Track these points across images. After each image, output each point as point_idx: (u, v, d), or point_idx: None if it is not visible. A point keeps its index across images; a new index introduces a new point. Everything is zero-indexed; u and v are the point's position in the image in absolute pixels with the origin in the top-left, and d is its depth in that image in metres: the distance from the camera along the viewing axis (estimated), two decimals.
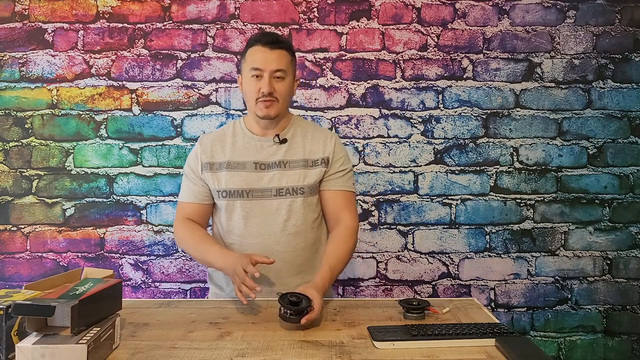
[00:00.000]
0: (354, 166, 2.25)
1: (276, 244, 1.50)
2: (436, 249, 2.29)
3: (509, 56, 2.28)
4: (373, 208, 2.28)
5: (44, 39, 2.23)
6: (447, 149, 2.28)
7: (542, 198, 2.30)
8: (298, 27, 2.25)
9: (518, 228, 2.29)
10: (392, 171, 2.28)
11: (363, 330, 1.22)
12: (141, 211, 2.26)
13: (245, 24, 2.25)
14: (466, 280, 2.30)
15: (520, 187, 2.29)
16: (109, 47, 2.24)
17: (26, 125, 2.24)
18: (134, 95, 2.25)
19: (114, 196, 2.25)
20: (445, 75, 2.27)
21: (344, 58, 2.26)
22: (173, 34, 2.24)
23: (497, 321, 1.28)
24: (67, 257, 2.25)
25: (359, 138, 2.27)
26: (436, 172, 2.28)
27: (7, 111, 2.24)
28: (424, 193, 2.28)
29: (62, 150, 2.25)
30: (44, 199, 2.25)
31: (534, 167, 2.29)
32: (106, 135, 2.25)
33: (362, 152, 2.27)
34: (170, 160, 2.25)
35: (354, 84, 2.26)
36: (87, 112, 2.25)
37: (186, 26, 2.24)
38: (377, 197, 2.28)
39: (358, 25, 2.26)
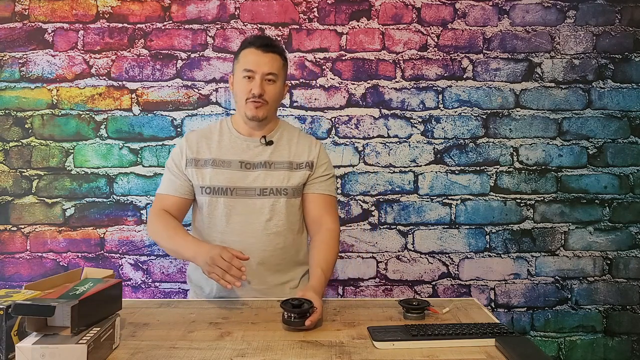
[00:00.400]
0: (354, 166, 2.26)
1: (257, 242, 1.52)
2: (436, 249, 2.29)
3: (509, 56, 2.28)
4: (373, 208, 2.28)
5: (44, 39, 2.23)
6: (447, 149, 2.28)
7: (542, 198, 2.30)
8: (298, 27, 2.25)
9: (518, 228, 2.29)
10: (392, 171, 2.28)
11: (363, 330, 1.22)
12: (141, 211, 2.26)
13: (245, 24, 2.25)
14: (466, 280, 2.30)
15: (520, 187, 2.29)
16: (109, 47, 2.24)
17: (26, 125, 2.24)
18: (134, 95, 2.25)
19: (114, 196, 2.25)
20: (445, 75, 2.27)
21: (344, 58, 2.26)
22: (173, 34, 2.24)
23: (497, 321, 1.28)
24: (67, 257, 2.25)
25: (359, 138, 2.27)
26: (436, 172, 2.28)
27: (7, 111, 2.24)
28: (424, 193, 2.28)
29: (62, 150, 2.25)
30: (44, 199, 2.25)
31: (534, 167, 2.29)
32: (106, 135, 2.25)
33: (362, 152, 2.27)
34: None
35: (354, 84, 2.26)
36: (87, 112, 2.25)
37: (186, 26, 2.24)
38: (377, 197, 2.28)
39: (358, 25, 2.26)
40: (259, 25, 2.25)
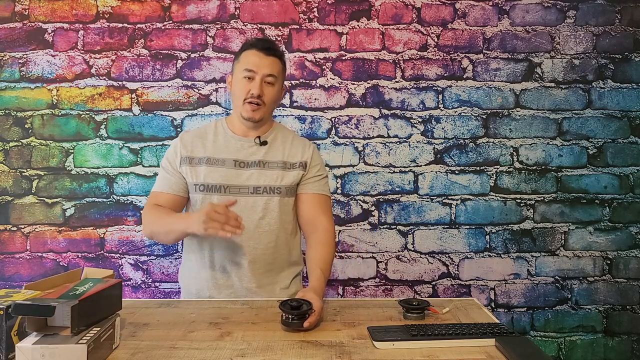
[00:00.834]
0: (354, 166, 2.26)
1: (249, 239, 1.52)
2: (436, 249, 2.29)
3: (509, 56, 2.28)
4: (373, 208, 2.28)
5: (44, 39, 2.23)
6: (447, 149, 2.28)
7: (542, 198, 2.30)
8: (298, 27, 2.25)
9: (518, 228, 2.29)
10: (392, 171, 2.28)
11: (363, 330, 1.22)
12: (141, 211, 2.25)
13: (245, 24, 2.25)
14: (466, 280, 2.30)
15: (520, 187, 2.29)
16: (109, 47, 2.24)
17: (26, 125, 2.24)
18: (134, 95, 2.25)
19: (114, 196, 2.25)
20: (445, 75, 2.27)
21: (344, 58, 2.26)
22: (173, 34, 2.24)
23: (497, 321, 1.27)
24: (67, 257, 2.25)
25: (359, 138, 2.27)
26: (436, 172, 2.28)
27: (7, 111, 2.24)
28: (424, 193, 2.28)
29: (62, 150, 2.25)
30: (44, 199, 2.25)
31: (534, 167, 2.29)
32: (106, 135, 2.25)
33: (362, 152, 2.27)
34: None
35: (354, 84, 2.26)
36: (87, 112, 2.25)
37: (186, 26, 2.24)
38: (377, 197, 2.28)
39: (358, 25, 2.26)
40: (259, 25, 2.25)
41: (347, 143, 2.26)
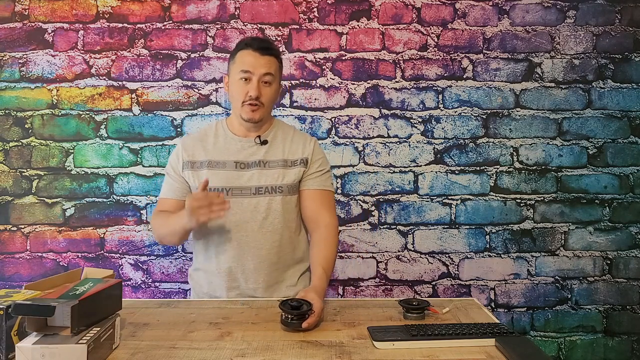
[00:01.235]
0: (354, 166, 2.26)
1: (253, 240, 1.53)
2: (436, 249, 2.29)
3: (509, 56, 2.28)
4: (373, 208, 2.28)
5: (44, 39, 2.23)
6: (447, 149, 2.28)
7: (542, 198, 2.30)
8: (298, 27, 2.25)
9: (518, 228, 2.29)
10: (392, 171, 2.28)
11: (363, 330, 1.22)
12: (141, 211, 2.26)
13: (245, 24, 2.25)
14: (466, 280, 2.30)
15: (520, 187, 2.29)
16: (109, 47, 2.24)
17: (26, 125, 2.24)
18: (134, 95, 2.25)
19: (114, 196, 2.25)
20: (445, 75, 2.27)
21: (344, 58, 2.26)
22: (173, 34, 2.24)
23: (497, 321, 1.27)
24: (67, 257, 2.25)
25: (359, 138, 2.27)
26: (436, 172, 2.28)
27: (7, 111, 2.24)
28: (424, 193, 2.28)
29: (62, 150, 2.25)
30: (44, 199, 2.25)
31: (534, 167, 2.29)
32: (106, 135, 2.25)
33: (362, 152, 2.27)
34: None
35: (354, 84, 2.26)
36: (87, 112, 2.25)
37: (186, 26, 2.24)
38: (377, 197, 2.28)
39: (358, 25, 2.26)
40: (259, 25, 2.25)
41: (347, 143, 2.26)
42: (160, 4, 2.24)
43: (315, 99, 2.26)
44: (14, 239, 2.25)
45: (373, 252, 2.29)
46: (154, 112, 2.25)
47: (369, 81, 2.26)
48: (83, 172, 2.25)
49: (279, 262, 1.56)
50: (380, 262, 2.29)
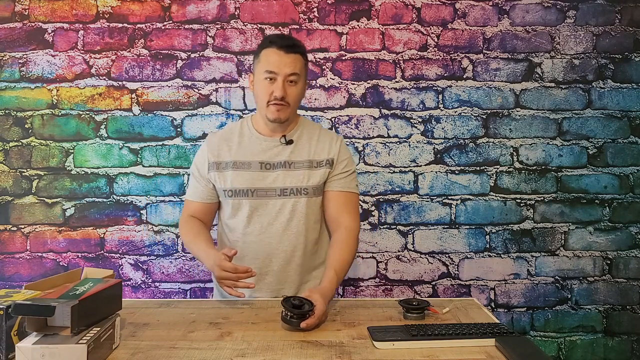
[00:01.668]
0: None
1: (278, 242, 1.52)
2: (436, 249, 2.29)
3: (509, 56, 2.28)
4: (373, 208, 2.28)
5: (44, 39, 2.23)
6: (447, 149, 2.28)
7: (542, 198, 2.30)
8: (298, 27, 2.25)
9: (518, 228, 2.29)
10: (392, 171, 2.28)
11: (363, 330, 1.22)
12: (141, 211, 2.26)
13: (245, 24, 2.25)
14: (466, 280, 2.30)
15: (520, 187, 2.29)
16: (109, 47, 2.24)
17: (26, 125, 2.24)
18: (134, 95, 2.25)
19: (114, 196, 2.25)
20: (445, 75, 2.27)
21: (344, 58, 2.26)
22: (173, 34, 2.24)
23: (497, 321, 1.28)
24: (67, 257, 2.25)
25: (359, 138, 2.27)
26: (436, 172, 2.28)
27: (7, 111, 2.24)
28: (424, 193, 2.28)
29: (62, 150, 2.25)
30: (44, 199, 2.25)
31: (534, 167, 2.29)
32: (106, 135, 2.25)
33: (362, 152, 2.27)
34: (170, 160, 2.25)
35: (354, 84, 2.26)
36: (87, 112, 2.25)
37: (186, 26, 2.24)
38: (377, 197, 2.28)
39: (358, 25, 2.26)
40: (259, 25, 2.25)
41: (347, 143, 2.26)
42: (160, 4, 2.24)
43: (315, 99, 2.26)
44: (14, 239, 2.25)
45: (373, 252, 2.29)
46: (154, 112, 2.25)
47: (369, 81, 2.26)
48: (83, 172, 2.25)
49: (304, 263, 1.55)
50: (380, 262, 2.29)
